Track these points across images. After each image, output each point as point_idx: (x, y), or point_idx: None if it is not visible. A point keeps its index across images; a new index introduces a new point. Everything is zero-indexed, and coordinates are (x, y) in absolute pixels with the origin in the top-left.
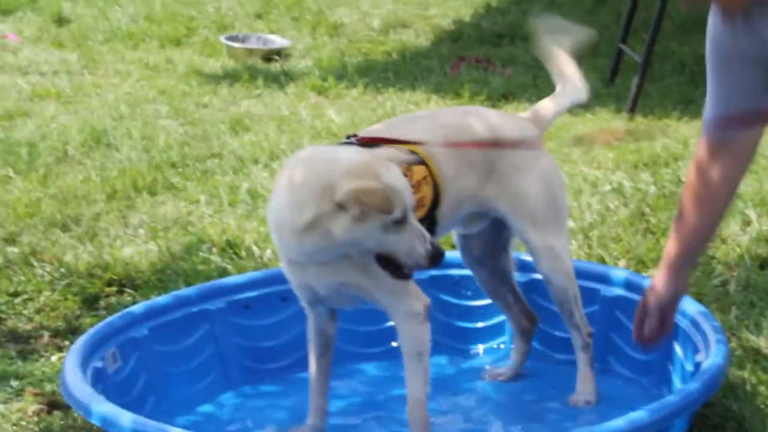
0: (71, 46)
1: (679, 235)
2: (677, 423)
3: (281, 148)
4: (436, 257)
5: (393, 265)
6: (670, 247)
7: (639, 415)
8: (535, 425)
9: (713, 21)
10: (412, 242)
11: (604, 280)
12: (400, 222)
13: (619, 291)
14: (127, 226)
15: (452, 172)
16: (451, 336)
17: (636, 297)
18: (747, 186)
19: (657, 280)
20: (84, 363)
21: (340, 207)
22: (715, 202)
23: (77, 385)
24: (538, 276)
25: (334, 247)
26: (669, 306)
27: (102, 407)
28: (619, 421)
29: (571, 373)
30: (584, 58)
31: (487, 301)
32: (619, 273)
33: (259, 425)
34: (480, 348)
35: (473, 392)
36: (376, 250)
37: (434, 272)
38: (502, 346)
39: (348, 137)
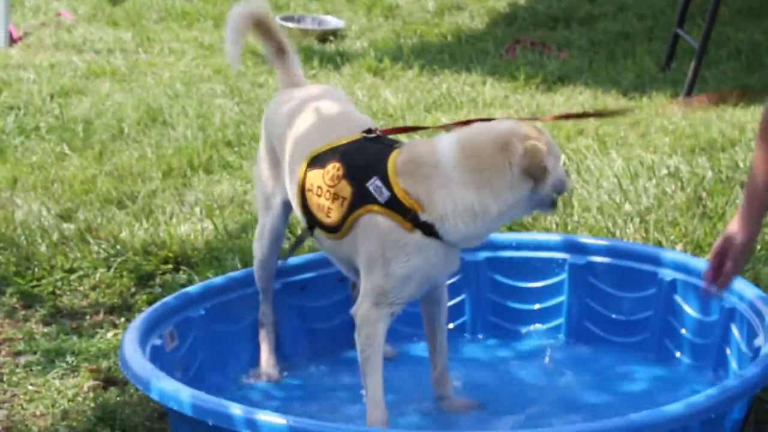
0: (125, 25)
1: (751, 182)
2: (735, 407)
3: None
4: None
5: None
6: (744, 194)
7: (697, 399)
8: (593, 409)
9: None
10: (562, 178)
11: (661, 263)
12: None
13: (675, 274)
14: (183, 204)
15: None
16: (506, 317)
17: (693, 280)
18: None
19: (731, 225)
20: (142, 340)
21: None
22: None
23: (136, 360)
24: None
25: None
26: (742, 249)
27: (162, 383)
28: (678, 405)
29: (626, 357)
30: (640, 42)
31: (543, 283)
32: (676, 256)
33: (314, 403)
34: (537, 327)
35: (527, 374)
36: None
37: (489, 254)
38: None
39: (367, 131)
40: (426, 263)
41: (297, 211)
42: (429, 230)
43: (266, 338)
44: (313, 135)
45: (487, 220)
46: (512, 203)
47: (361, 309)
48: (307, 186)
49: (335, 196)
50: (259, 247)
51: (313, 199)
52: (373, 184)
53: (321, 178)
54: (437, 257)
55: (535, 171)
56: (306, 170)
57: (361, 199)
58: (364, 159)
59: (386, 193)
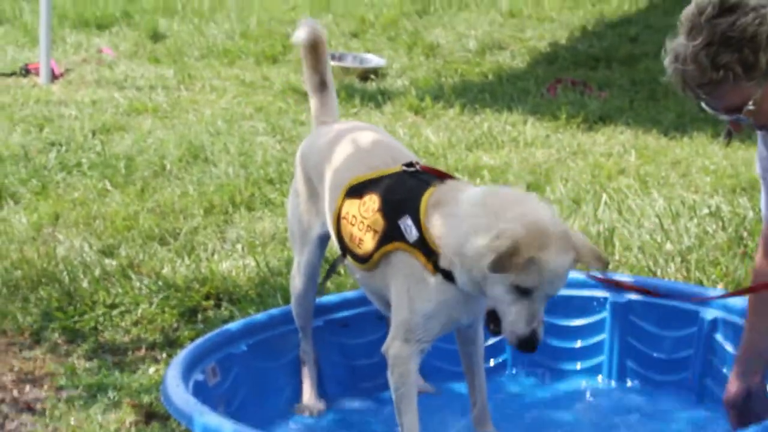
0: (167, 62)
1: (747, 333)
2: None
3: None
4: (525, 344)
5: (493, 321)
6: (741, 343)
7: None
8: None
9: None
10: (518, 317)
11: (702, 302)
12: (524, 292)
13: (717, 313)
14: (225, 241)
15: None
16: (547, 355)
17: (734, 319)
18: None
19: (731, 376)
20: (185, 375)
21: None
22: None
23: (179, 395)
24: (634, 297)
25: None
26: (742, 403)
27: (205, 417)
28: None
29: (667, 397)
30: None
31: (584, 321)
32: (717, 295)
33: None
34: (578, 366)
35: (567, 413)
36: (491, 303)
37: None
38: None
39: (408, 165)
40: (446, 305)
41: (333, 238)
42: (448, 275)
43: (308, 375)
44: (355, 163)
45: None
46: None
47: (392, 347)
48: (343, 214)
49: (368, 228)
50: (295, 284)
51: (347, 228)
52: (404, 223)
53: (357, 209)
54: (456, 301)
55: (495, 268)
56: (344, 198)
57: (391, 235)
58: (399, 194)
59: (415, 234)
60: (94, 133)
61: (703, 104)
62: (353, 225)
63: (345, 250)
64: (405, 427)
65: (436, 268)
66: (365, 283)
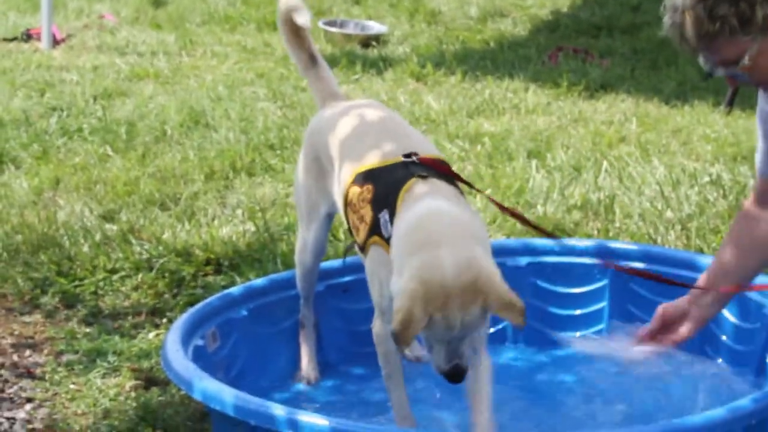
0: (168, 28)
1: (711, 267)
2: None
3: None
4: (450, 377)
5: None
6: (704, 273)
7: (741, 404)
8: (636, 414)
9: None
10: (439, 355)
11: (700, 269)
12: (438, 340)
13: None
14: (225, 207)
15: None
16: (546, 323)
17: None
18: None
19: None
20: (184, 341)
21: None
22: (754, 253)
23: (179, 360)
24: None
25: None
26: (675, 319)
27: (204, 383)
28: (721, 410)
29: (667, 362)
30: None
31: (584, 288)
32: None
33: (355, 407)
34: (577, 335)
35: (567, 379)
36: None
37: (531, 259)
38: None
39: (406, 155)
40: None
41: (344, 221)
42: None
43: (307, 340)
44: (365, 149)
45: None
46: None
47: (375, 326)
48: (349, 200)
49: (361, 219)
50: (302, 260)
51: (350, 215)
52: (383, 217)
53: (357, 197)
54: None
55: (393, 325)
56: (351, 184)
57: (375, 227)
58: (386, 187)
59: (390, 230)
60: (95, 99)
61: (699, 59)
62: (354, 213)
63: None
64: (394, 404)
65: None
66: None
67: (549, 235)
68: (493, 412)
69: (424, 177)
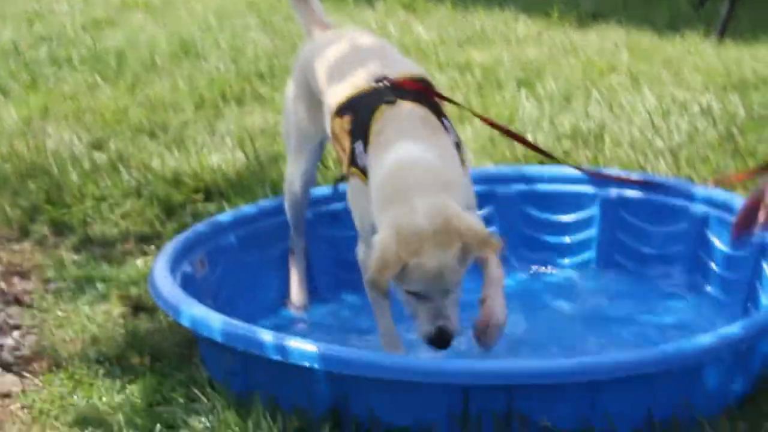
0: None
1: None
2: (765, 341)
3: None
4: (435, 341)
5: None
6: None
7: (729, 330)
8: (624, 341)
9: None
10: (423, 318)
11: (692, 198)
12: (418, 294)
13: (707, 209)
14: (215, 135)
15: None
16: (537, 250)
17: (724, 215)
18: None
19: None
20: (173, 267)
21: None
22: None
23: (167, 287)
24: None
25: None
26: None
27: (192, 309)
28: (709, 336)
29: (656, 290)
30: None
31: (574, 216)
32: (707, 191)
33: (344, 333)
34: (566, 262)
35: (558, 305)
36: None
37: (521, 187)
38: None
39: (378, 80)
40: None
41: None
42: None
43: (297, 266)
44: (347, 80)
45: None
46: None
47: (358, 253)
48: (333, 131)
49: (344, 149)
50: (291, 191)
51: (336, 146)
52: (358, 148)
53: (339, 128)
54: None
55: (369, 272)
56: (335, 116)
57: (352, 157)
58: (360, 115)
59: (364, 160)
60: (84, 28)
61: None
62: (338, 144)
63: None
64: (380, 329)
65: None
66: None
67: (546, 154)
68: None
69: (391, 102)
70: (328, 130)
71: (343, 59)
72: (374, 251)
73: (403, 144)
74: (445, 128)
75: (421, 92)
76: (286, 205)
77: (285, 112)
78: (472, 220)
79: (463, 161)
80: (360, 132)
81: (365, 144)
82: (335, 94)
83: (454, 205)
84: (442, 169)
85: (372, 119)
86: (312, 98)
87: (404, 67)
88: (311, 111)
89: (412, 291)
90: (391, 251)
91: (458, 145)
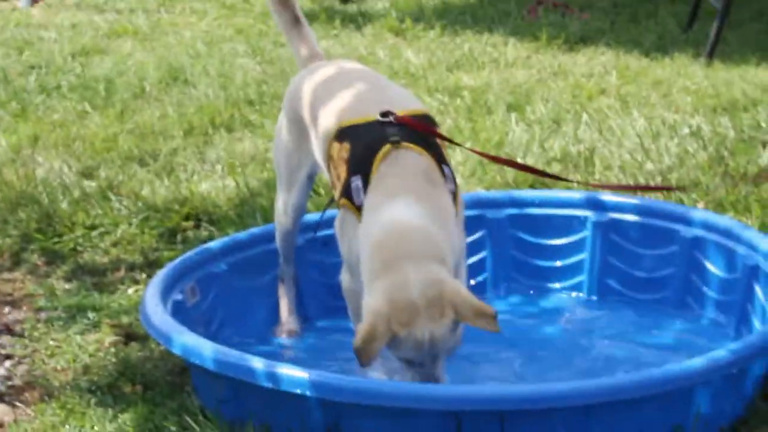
0: None
1: None
2: (757, 363)
3: None
4: None
5: None
6: None
7: (720, 354)
8: (615, 365)
9: None
10: (412, 380)
11: (683, 220)
12: (409, 362)
13: (697, 231)
14: (205, 162)
15: None
16: (528, 274)
17: (715, 238)
18: None
19: None
20: (164, 295)
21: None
22: None
23: (158, 315)
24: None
25: None
26: None
27: (183, 337)
28: (700, 360)
29: (648, 314)
30: (662, 3)
31: (565, 240)
32: (698, 214)
33: (335, 360)
34: (558, 285)
35: (549, 330)
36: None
37: (512, 211)
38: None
39: (383, 114)
40: None
41: (327, 176)
42: None
43: (287, 293)
44: (349, 107)
45: None
46: None
47: (343, 279)
48: (331, 154)
49: (338, 176)
50: (281, 222)
51: (332, 170)
52: (355, 183)
53: (337, 153)
54: None
55: (355, 342)
56: (333, 140)
57: (347, 190)
58: (361, 148)
59: (361, 199)
60: (73, 56)
61: None
62: (334, 169)
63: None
64: None
65: None
66: None
67: (541, 173)
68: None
69: (397, 143)
70: (320, 155)
71: (337, 88)
72: (364, 320)
73: (403, 202)
74: (444, 176)
75: (424, 129)
76: (277, 235)
77: (276, 142)
78: (464, 291)
79: (457, 213)
80: (360, 167)
81: (365, 182)
82: (335, 118)
83: (448, 278)
84: (438, 236)
85: (376, 158)
86: (302, 130)
87: (406, 102)
88: (302, 143)
89: (402, 357)
90: (382, 322)
91: (454, 195)
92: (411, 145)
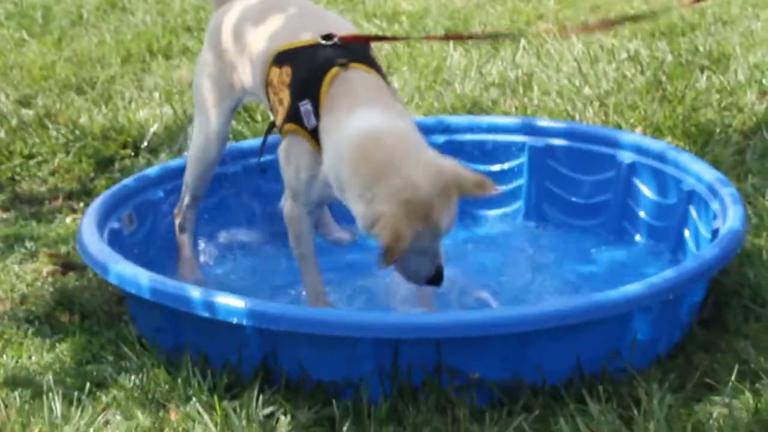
0: None
1: None
2: (694, 289)
3: None
4: (432, 282)
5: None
6: None
7: (657, 279)
8: (553, 290)
9: None
10: (420, 266)
11: (619, 145)
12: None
13: (635, 157)
14: (142, 90)
15: None
16: (465, 201)
17: (652, 163)
18: (766, 56)
19: None
20: (100, 224)
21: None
22: None
23: (94, 244)
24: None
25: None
26: None
27: (119, 266)
28: (638, 285)
29: (585, 239)
30: None
31: (502, 166)
32: (635, 139)
33: (273, 286)
34: (495, 213)
35: (486, 257)
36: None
37: (447, 137)
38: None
39: (325, 37)
40: (329, 188)
41: (265, 102)
42: None
43: (188, 244)
44: (283, 32)
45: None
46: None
47: (285, 207)
48: (270, 79)
49: (280, 101)
50: (204, 155)
51: (272, 95)
52: (305, 107)
53: (276, 78)
54: None
55: (385, 248)
56: (271, 65)
57: (294, 115)
58: (305, 72)
59: (313, 122)
60: None
61: None
62: (274, 94)
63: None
64: (306, 285)
65: None
66: None
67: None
68: None
69: (344, 65)
70: (256, 81)
71: (268, 14)
72: (382, 227)
73: (374, 111)
74: (394, 93)
75: (370, 56)
76: (193, 173)
77: (197, 75)
78: (461, 168)
79: None
80: (307, 91)
81: (315, 105)
82: (270, 42)
83: (441, 160)
84: (413, 133)
85: (324, 80)
86: (229, 61)
87: (338, 25)
88: (226, 75)
89: (416, 249)
90: (402, 223)
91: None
92: (359, 65)
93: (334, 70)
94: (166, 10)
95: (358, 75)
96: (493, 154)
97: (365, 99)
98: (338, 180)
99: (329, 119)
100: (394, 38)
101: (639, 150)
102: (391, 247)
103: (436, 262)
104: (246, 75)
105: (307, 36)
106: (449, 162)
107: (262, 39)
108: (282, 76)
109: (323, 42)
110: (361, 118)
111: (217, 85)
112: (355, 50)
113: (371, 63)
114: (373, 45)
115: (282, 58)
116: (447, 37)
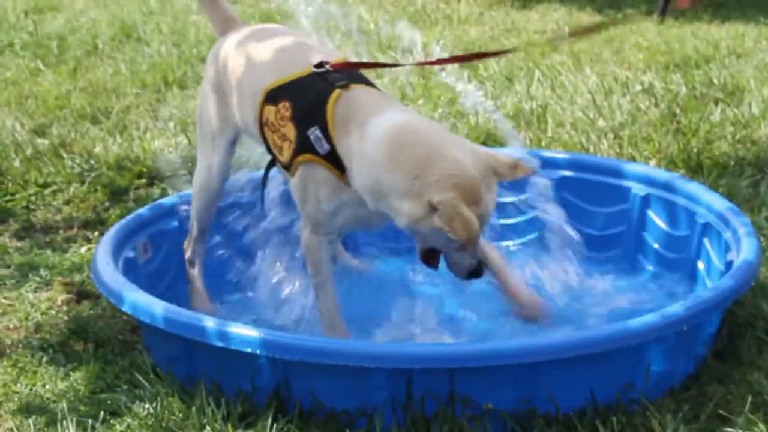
0: None
1: None
2: (709, 320)
3: None
4: (474, 274)
5: (430, 260)
6: None
7: (672, 310)
8: (569, 322)
9: None
10: (464, 260)
11: (634, 178)
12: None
13: (648, 189)
14: (157, 120)
15: None
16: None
17: (666, 195)
18: None
19: None
20: (115, 253)
21: (431, 209)
22: None
23: (109, 273)
24: (566, 173)
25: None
26: None
27: (134, 295)
28: (653, 316)
29: (600, 271)
30: None
31: (517, 198)
32: (650, 171)
33: (286, 313)
34: (512, 243)
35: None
36: (428, 246)
37: None
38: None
39: (317, 66)
40: (355, 212)
41: (262, 143)
42: None
43: (199, 277)
44: (271, 68)
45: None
46: (403, 224)
47: (303, 234)
48: (264, 120)
49: (284, 137)
50: (206, 187)
51: (269, 135)
52: (314, 134)
53: (274, 116)
54: (367, 212)
55: (457, 235)
56: (263, 104)
57: (303, 145)
58: (307, 101)
59: (326, 146)
60: (26, 13)
61: None
62: (273, 132)
63: (273, 155)
64: (323, 314)
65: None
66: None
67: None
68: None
69: (345, 86)
70: (250, 121)
71: (259, 51)
72: (445, 217)
73: (390, 114)
74: None
75: (365, 77)
76: (198, 207)
77: (200, 108)
78: (494, 152)
79: None
80: (314, 118)
81: (323, 129)
82: (258, 84)
83: (473, 145)
84: (438, 124)
85: (329, 103)
86: (225, 96)
87: (327, 53)
88: (222, 108)
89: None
90: (464, 209)
91: None
92: (359, 85)
93: (336, 92)
94: (181, 40)
95: (361, 92)
96: (509, 186)
97: (378, 108)
98: (375, 188)
99: (347, 138)
100: (385, 65)
101: (653, 183)
102: (467, 237)
103: (475, 257)
104: (239, 113)
105: (296, 69)
106: (480, 147)
107: (249, 79)
108: (280, 111)
109: (317, 70)
110: (384, 119)
111: (216, 118)
112: (351, 73)
113: (369, 83)
114: (388, 75)
115: (275, 94)
116: (440, 61)
